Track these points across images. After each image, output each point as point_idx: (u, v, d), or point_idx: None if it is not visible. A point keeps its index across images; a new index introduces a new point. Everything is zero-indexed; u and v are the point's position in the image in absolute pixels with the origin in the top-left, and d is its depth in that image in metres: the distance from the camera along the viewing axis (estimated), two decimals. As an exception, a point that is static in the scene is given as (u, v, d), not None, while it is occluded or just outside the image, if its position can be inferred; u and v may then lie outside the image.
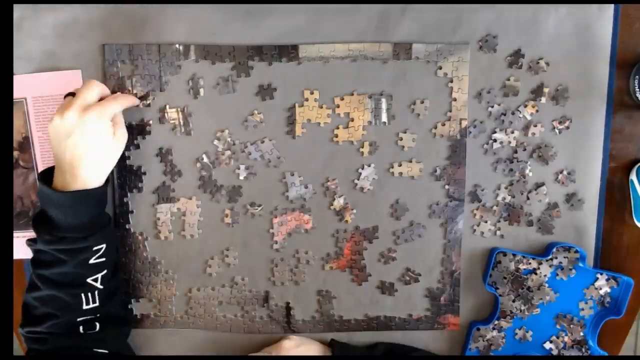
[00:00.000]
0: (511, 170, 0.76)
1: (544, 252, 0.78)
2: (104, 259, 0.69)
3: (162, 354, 0.81)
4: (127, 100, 0.71)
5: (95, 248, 0.68)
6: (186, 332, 0.80)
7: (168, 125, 0.75)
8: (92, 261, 0.68)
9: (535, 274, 0.77)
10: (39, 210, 0.68)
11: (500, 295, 0.78)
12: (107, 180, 0.70)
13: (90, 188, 0.67)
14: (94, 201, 0.68)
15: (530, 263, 0.77)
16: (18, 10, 0.73)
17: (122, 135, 0.70)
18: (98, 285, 0.69)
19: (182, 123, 0.76)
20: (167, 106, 0.75)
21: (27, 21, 0.73)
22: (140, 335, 0.80)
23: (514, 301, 0.78)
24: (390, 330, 0.80)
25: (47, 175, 0.69)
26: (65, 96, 0.70)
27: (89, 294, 0.68)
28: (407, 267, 0.78)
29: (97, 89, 0.68)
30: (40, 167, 0.77)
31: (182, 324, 0.80)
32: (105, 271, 0.69)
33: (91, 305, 0.68)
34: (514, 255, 0.77)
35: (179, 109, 0.75)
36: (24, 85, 0.75)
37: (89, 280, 0.68)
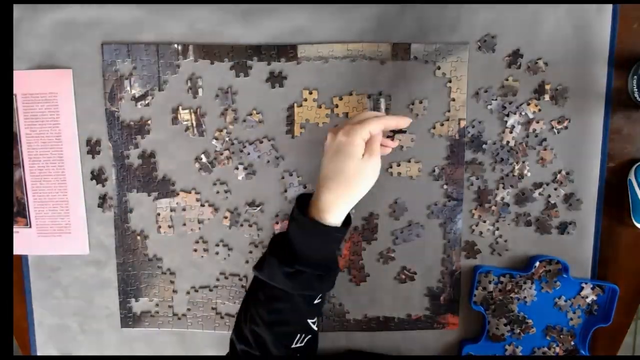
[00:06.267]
0: (509, 170, 0.76)
1: (525, 267, 0.78)
2: (320, 302, 0.66)
3: (162, 354, 0.81)
4: (389, 121, 0.62)
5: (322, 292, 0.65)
6: (185, 331, 0.80)
7: (181, 126, 0.76)
8: (316, 301, 0.65)
9: (522, 290, 0.77)
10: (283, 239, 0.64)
11: (490, 317, 0.78)
12: (346, 223, 0.63)
13: (326, 224, 0.61)
14: (325, 237, 0.62)
15: (517, 281, 0.77)
16: (17, 10, 0.73)
17: (374, 164, 0.61)
18: (314, 327, 0.66)
19: (194, 124, 0.76)
20: (180, 107, 0.75)
21: (26, 21, 0.74)
22: (140, 335, 0.81)
23: (505, 325, 0.78)
24: (389, 331, 0.80)
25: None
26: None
27: (303, 335, 0.65)
28: (403, 266, 0.78)
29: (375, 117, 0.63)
30: (27, 164, 0.76)
31: (181, 324, 0.80)
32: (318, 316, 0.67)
33: (297, 345, 0.65)
34: (497, 276, 0.77)
35: (191, 110, 0.76)
36: (14, 82, 0.75)
37: (309, 321, 0.65)
